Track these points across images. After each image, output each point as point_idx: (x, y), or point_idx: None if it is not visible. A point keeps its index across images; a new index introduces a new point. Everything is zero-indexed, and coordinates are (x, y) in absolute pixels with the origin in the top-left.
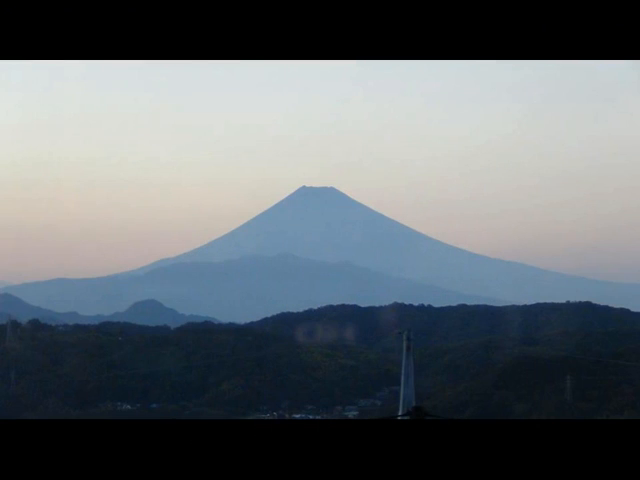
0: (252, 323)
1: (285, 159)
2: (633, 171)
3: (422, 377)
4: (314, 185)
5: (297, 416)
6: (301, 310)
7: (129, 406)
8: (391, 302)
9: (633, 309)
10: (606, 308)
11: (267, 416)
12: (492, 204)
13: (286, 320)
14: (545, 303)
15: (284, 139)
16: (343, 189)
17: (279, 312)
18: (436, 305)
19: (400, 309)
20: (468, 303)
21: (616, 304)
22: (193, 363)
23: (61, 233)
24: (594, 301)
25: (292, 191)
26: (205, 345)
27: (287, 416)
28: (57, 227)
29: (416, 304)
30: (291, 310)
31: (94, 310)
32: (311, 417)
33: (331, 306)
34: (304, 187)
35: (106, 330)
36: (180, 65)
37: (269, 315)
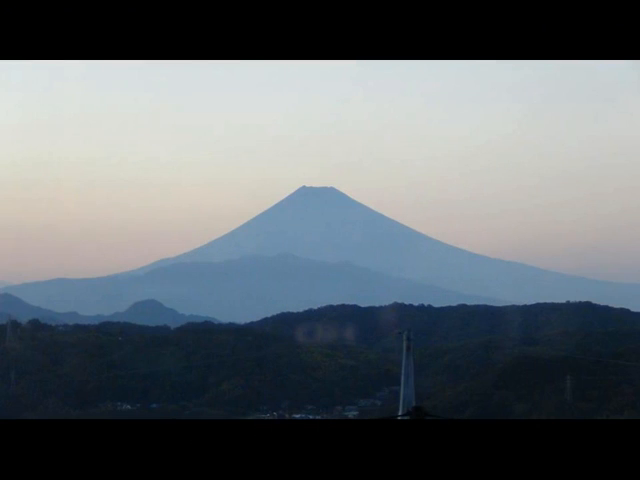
0: (252, 323)
1: (285, 159)
2: (633, 171)
3: (422, 377)
4: (314, 185)
5: (297, 416)
6: (301, 310)
7: (129, 406)
8: (391, 302)
9: (633, 309)
10: (606, 308)
11: (267, 416)
12: (492, 204)
13: (286, 320)
14: (545, 303)
15: (284, 139)
16: (343, 189)
17: (279, 312)
18: (436, 305)
19: (400, 309)
20: (468, 303)
21: (616, 304)
22: (193, 363)
23: (61, 233)
24: (594, 301)
25: (292, 191)
26: (205, 345)
27: (287, 416)
28: (57, 227)
29: (416, 304)
30: (291, 310)
31: (94, 310)
32: (311, 417)
33: (331, 306)
34: (304, 187)
35: (106, 330)
36: (180, 65)
37: (269, 315)
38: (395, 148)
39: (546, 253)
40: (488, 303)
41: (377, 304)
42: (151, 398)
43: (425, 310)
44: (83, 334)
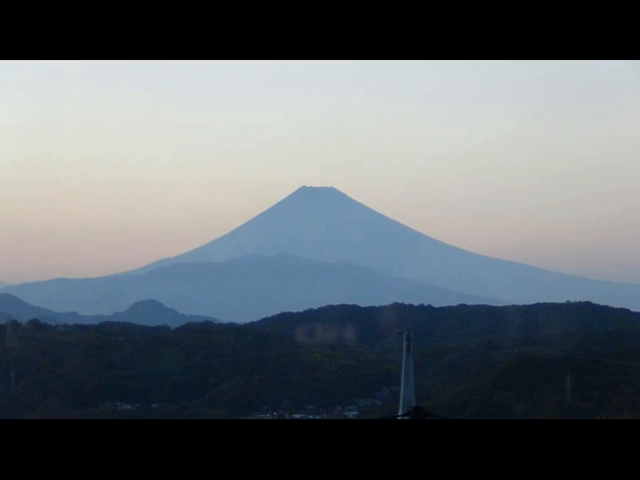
0: (252, 323)
1: (285, 159)
2: (633, 171)
3: (422, 377)
4: (314, 185)
5: (297, 416)
6: (301, 310)
7: (129, 406)
8: (391, 302)
9: (633, 309)
10: (606, 308)
11: (267, 416)
12: (492, 204)
13: (286, 320)
14: (545, 303)
15: (284, 139)
16: (343, 189)
17: (279, 312)
18: (436, 305)
19: (400, 309)
20: (468, 303)
21: (616, 304)
22: (193, 363)
23: (61, 233)
24: (594, 301)
25: (292, 191)
26: (205, 345)
27: (287, 416)
28: (57, 227)
29: (416, 304)
30: (291, 310)
31: (94, 310)
32: (311, 417)
33: (331, 306)
34: (304, 187)
35: (106, 330)
36: (180, 65)
37: (269, 315)
38: (395, 148)
39: (546, 253)
40: (488, 303)
41: (377, 304)
42: (151, 398)
43: (425, 310)
44: (83, 334)
